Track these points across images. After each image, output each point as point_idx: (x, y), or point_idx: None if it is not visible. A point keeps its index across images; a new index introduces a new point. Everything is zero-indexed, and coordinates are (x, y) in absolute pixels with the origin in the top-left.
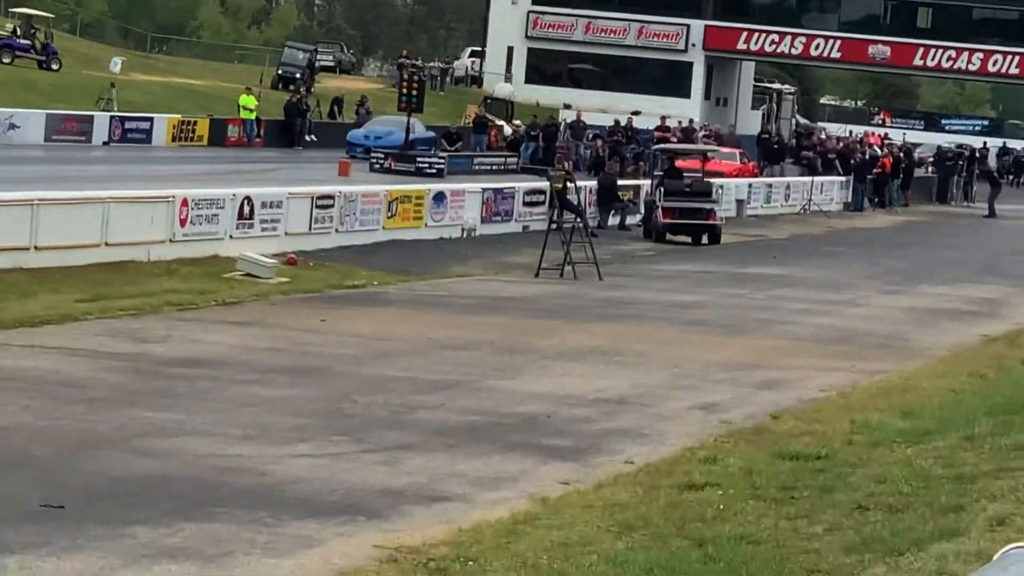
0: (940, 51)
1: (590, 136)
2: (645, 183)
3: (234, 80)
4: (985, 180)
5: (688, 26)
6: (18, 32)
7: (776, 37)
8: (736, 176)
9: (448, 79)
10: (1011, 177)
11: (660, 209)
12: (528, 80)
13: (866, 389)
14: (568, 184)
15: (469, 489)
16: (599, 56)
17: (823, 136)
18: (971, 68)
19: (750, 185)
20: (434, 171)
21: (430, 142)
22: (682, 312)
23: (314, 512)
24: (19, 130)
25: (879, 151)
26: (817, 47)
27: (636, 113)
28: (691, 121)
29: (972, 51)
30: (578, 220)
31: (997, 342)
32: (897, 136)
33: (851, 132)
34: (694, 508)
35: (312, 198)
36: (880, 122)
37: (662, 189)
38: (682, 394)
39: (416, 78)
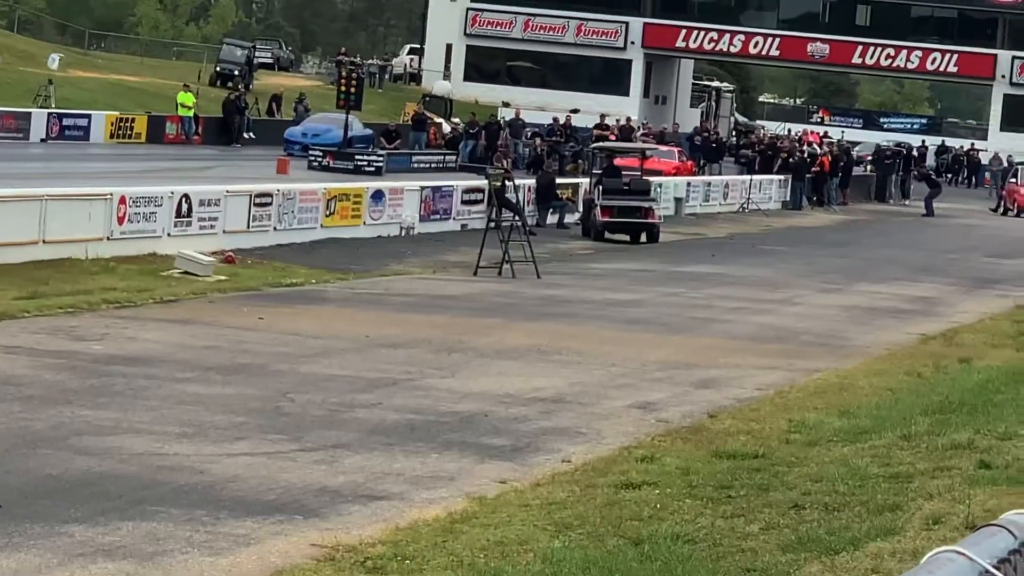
0: (879, 49)
1: (529, 134)
2: (584, 181)
3: (172, 77)
4: (923, 181)
5: (627, 23)
6: None
7: (715, 35)
8: (675, 175)
9: (387, 76)
10: (950, 176)
11: (599, 208)
12: (467, 78)
13: (803, 388)
14: (507, 182)
15: (406, 488)
16: (538, 53)
17: (761, 134)
18: (910, 66)
19: (688, 183)
20: (372, 169)
21: (368, 140)
22: (620, 311)
23: (251, 511)
24: None
25: (818, 149)
26: (756, 45)
27: (575, 111)
28: (628, 119)
29: (911, 49)
30: (516, 218)
31: (934, 341)
32: (836, 134)
33: (790, 130)
34: (631, 507)
35: (250, 196)
36: (819, 120)
37: (600, 187)
38: (620, 393)
39: (354, 75)
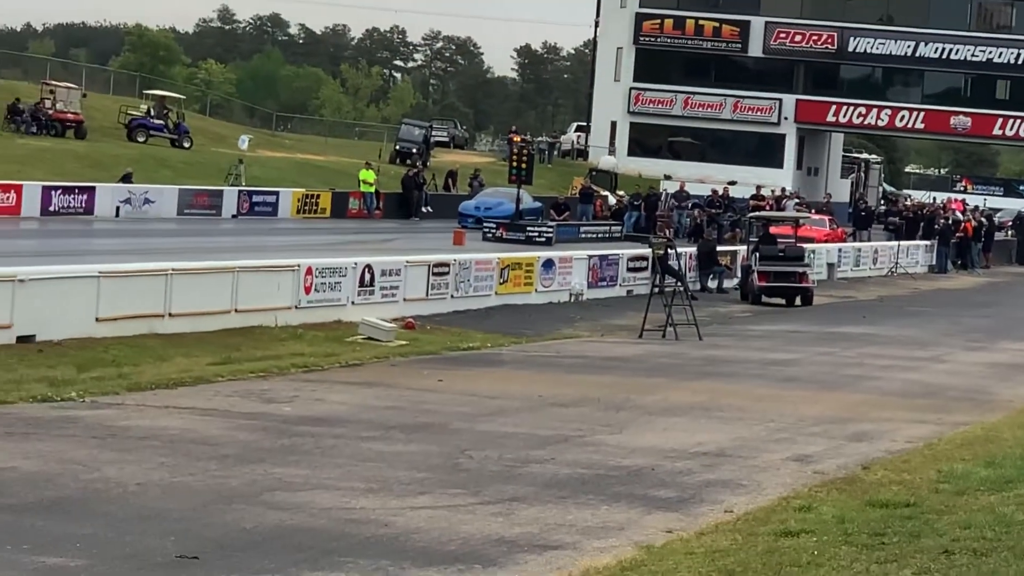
0: (1018, 121)
1: (689, 205)
2: (741, 248)
3: (354, 155)
4: None
5: (780, 100)
6: (152, 113)
7: (863, 110)
8: (826, 241)
9: (555, 152)
10: None
11: (756, 273)
12: (630, 153)
13: (951, 440)
14: (669, 250)
15: (578, 538)
16: (696, 129)
17: (908, 202)
18: None
19: (840, 249)
20: (543, 239)
21: (538, 212)
22: (777, 369)
23: (433, 560)
24: (154, 204)
25: (961, 216)
26: (902, 119)
27: (732, 183)
28: (783, 190)
29: None
30: (679, 284)
31: None
32: (978, 202)
33: (935, 198)
34: (790, 554)
35: (429, 266)
36: (962, 189)
37: (757, 254)
38: (778, 446)
39: (525, 152)
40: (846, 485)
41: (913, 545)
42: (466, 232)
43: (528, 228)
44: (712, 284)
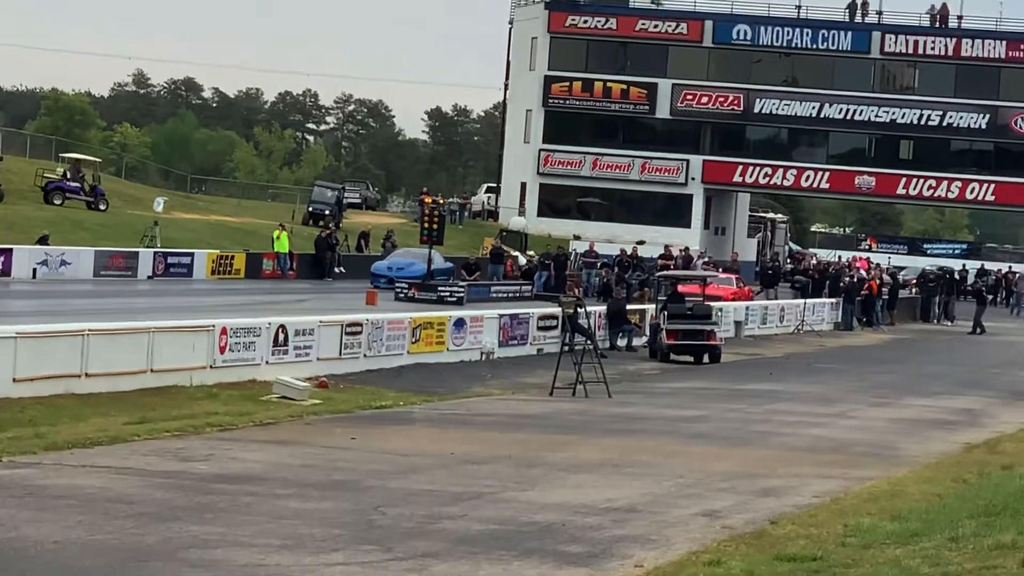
0: (921, 180)
1: (598, 264)
2: (650, 307)
3: (268, 217)
4: (974, 298)
5: (688, 161)
6: (68, 175)
7: (769, 170)
8: (733, 299)
9: (466, 213)
10: (991, 296)
11: (664, 331)
12: (540, 213)
13: (857, 495)
14: (578, 309)
15: None
16: (605, 190)
17: (814, 261)
18: (950, 196)
19: (747, 307)
20: (454, 299)
21: (449, 272)
22: (686, 426)
23: None
24: (70, 266)
25: (866, 274)
26: (807, 178)
27: (641, 242)
28: (686, 249)
29: (951, 180)
30: (588, 342)
31: (978, 449)
32: (883, 260)
33: (840, 257)
34: None
35: (342, 326)
36: (867, 247)
37: (666, 313)
38: (687, 502)
39: (436, 213)
40: (754, 539)
41: None
42: (379, 292)
43: (440, 288)
44: (621, 342)
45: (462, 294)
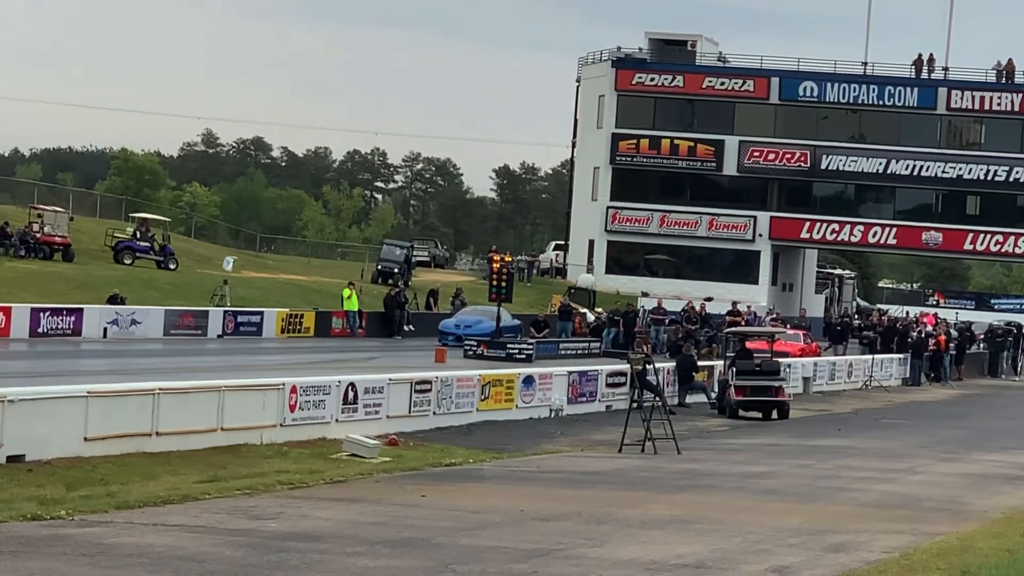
0: (988, 236)
1: (667, 321)
2: (718, 363)
3: (337, 275)
4: None
5: (755, 218)
6: (138, 235)
7: (836, 226)
8: (801, 355)
9: (534, 271)
10: None
11: (733, 387)
12: (608, 270)
13: (927, 550)
14: (647, 366)
15: None
16: (673, 247)
17: (881, 316)
18: (1017, 251)
19: (815, 363)
20: (523, 356)
21: (517, 330)
22: (755, 482)
23: None
24: (140, 325)
25: (933, 330)
26: (874, 235)
27: (708, 299)
28: (748, 307)
29: (1018, 235)
30: (657, 399)
31: None
32: (950, 315)
33: (907, 312)
34: None
35: (411, 383)
36: (934, 303)
37: (734, 369)
38: (756, 558)
39: (505, 271)
40: None
41: None
42: (448, 350)
43: (508, 345)
44: (691, 399)
45: (531, 351)
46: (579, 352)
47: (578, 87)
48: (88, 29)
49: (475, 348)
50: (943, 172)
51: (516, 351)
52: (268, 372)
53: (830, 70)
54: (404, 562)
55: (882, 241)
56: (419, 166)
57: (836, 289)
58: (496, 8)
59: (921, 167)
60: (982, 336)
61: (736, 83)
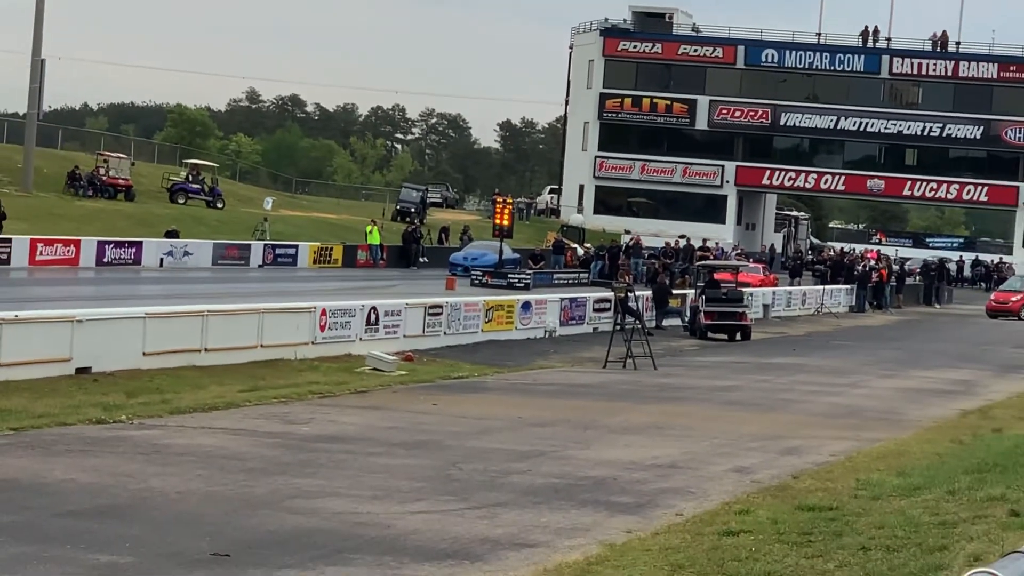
0: (924, 183)
1: (646, 255)
2: (690, 292)
3: (362, 214)
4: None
5: (723, 167)
6: (190, 178)
7: (793, 174)
8: (761, 286)
9: (532, 211)
10: (983, 284)
11: (703, 312)
12: (596, 211)
13: (868, 454)
14: (629, 293)
15: (551, 537)
16: (652, 191)
17: (831, 252)
18: (949, 197)
19: (774, 293)
20: (522, 285)
21: (517, 262)
22: (721, 394)
23: (428, 557)
24: (192, 256)
25: (876, 264)
26: (826, 182)
27: (683, 237)
28: (716, 244)
29: (950, 183)
30: (637, 322)
31: (972, 415)
32: (891, 252)
33: (854, 249)
34: (731, 550)
35: (425, 307)
36: (877, 241)
37: (704, 297)
38: (721, 459)
39: (507, 211)
40: (779, 492)
41: (836, 543)
42: (456, 279)
43: (509, 275)
44: (666, 322)
45: (529, 280)
46: (570, 281)
47: (570, 53)
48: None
49: (480, 278)
50: (885, 128)
51: (516, 280)
52: (302, 297)
53: (788, 39)
54: (418, 461)
55: (832, 188)
56: (433, 120)
57: (792, 229)
58: None
59: (866, 124)
60: (918, 270)
61: (707, 50)
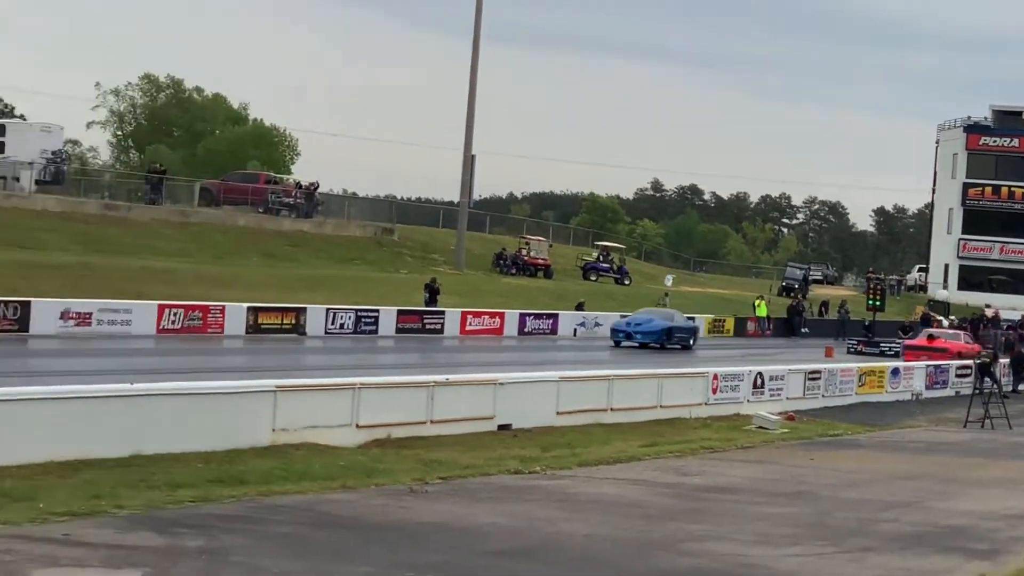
0: None
1: (1005, 327)
2: None
3: (751, 290)
4: None
5: None
6: (600, 258)
7: None
8: None
9: (903, 287)
10: None
11: None
12: (959, 287)
13: None
14: (994, 361)
15: None
16: (1011, 270)
17: None
18: None
19: None
20: (892, 353)
21: (688, 330)
22: None
23: None
24: (601, 327)
25: None
26: None
27: None
28: None
29: None
30: (994, 386)
31: None
32: None
33: None
34: None
35: (805, 373)
36: None
37: None
38: None
39: (879, 287)
40: None
41: None
42: (834, 347)
43: (881, 344)
44: (1022, 388)
45: (898, 349)
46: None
47: (936, 147)
48: (568, 96)
49: (855, 346)
50: None
51: (886, 348)
52: (697, 364)
53: None
54: (796, 509)
55: None
56: (815, 206)
57: None
58: (874, 84)
59: None
60: None
61: None
